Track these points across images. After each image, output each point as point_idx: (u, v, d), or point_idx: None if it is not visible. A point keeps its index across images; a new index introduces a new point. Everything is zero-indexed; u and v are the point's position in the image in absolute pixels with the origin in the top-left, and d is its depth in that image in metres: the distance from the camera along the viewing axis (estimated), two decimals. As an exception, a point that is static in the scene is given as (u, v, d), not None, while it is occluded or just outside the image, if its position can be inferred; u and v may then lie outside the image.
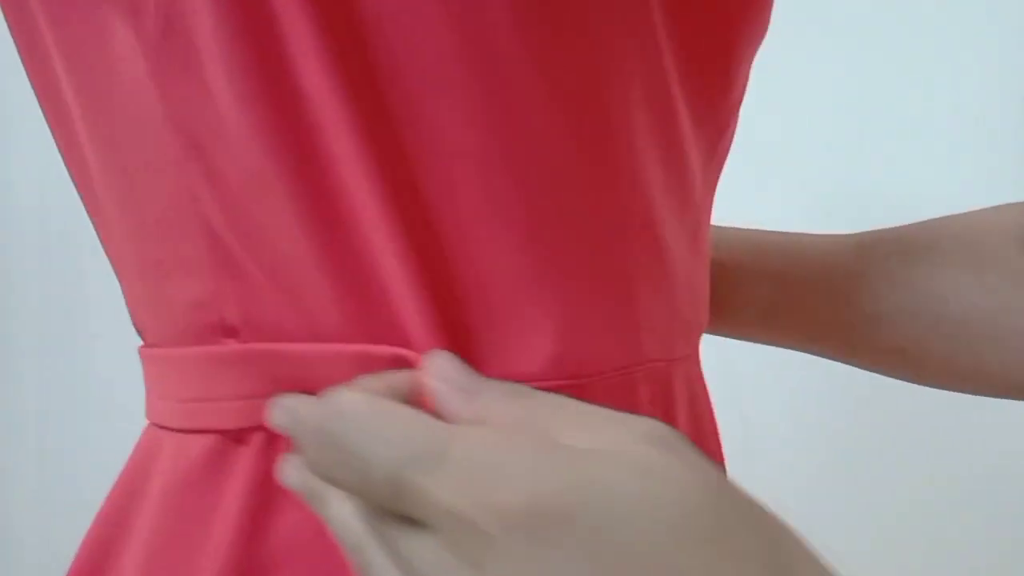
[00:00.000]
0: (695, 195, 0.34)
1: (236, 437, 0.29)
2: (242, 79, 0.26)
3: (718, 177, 0.37)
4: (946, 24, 0.86)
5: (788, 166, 0.90)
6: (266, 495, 0.28)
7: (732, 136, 0.36)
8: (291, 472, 0.26)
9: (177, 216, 0.29)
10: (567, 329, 0.29)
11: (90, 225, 0.34)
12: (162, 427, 0.32)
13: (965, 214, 0.44)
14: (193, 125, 0.28)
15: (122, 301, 0.34)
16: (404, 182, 0.27)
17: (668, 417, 0.33)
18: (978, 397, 0.44)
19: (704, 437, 0.36)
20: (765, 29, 0.34)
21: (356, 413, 0.23)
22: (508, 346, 0.28)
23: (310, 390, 0.26)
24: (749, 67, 0.35)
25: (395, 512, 0.23)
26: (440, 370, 0.26)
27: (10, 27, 0.32)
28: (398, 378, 0.26)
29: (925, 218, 0.44)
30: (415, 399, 0.25)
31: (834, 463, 0.92)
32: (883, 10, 0.87)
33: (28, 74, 0.33)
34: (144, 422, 0.33)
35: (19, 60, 0.33)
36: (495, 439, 0.22)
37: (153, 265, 0.31)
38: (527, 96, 0.27)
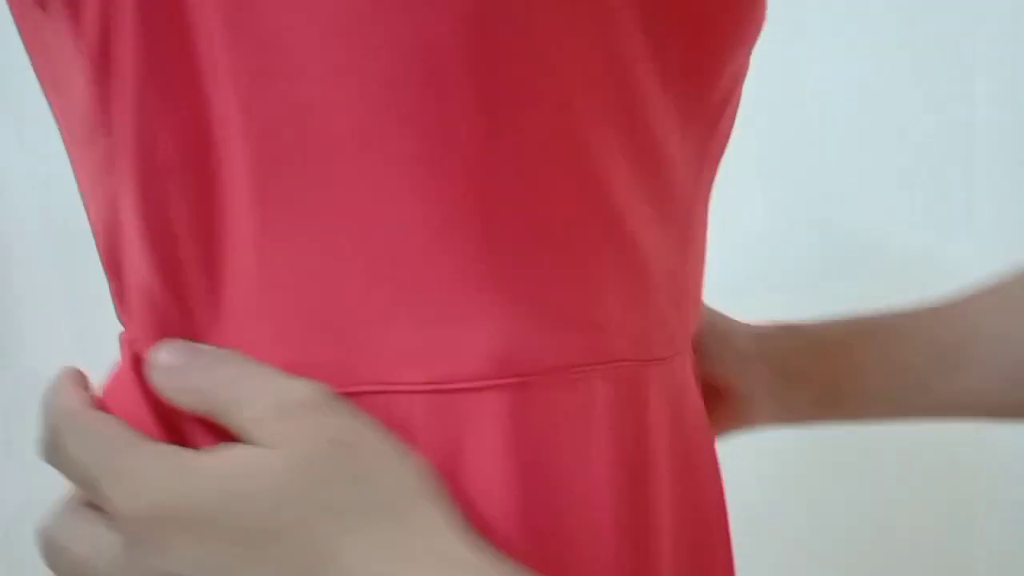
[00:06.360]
0: (680, 193, 0.34)
1: None
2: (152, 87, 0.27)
3: (713, 175, 0.36)
4: (946, 30, 0.86)
5: (788, 169, 0.90)
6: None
7: (727, 133, 0.36)
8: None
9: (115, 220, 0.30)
10: (514, 326, 0.29)
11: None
12: None
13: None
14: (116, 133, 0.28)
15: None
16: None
17: (638, 419, 0.32)
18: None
19: (691, 439, 0.36)
20: (758, 28, 0.34)
21: (70, 423, 0.29)
22: (448, 344, 0.28)
23: None
24: (741, 65, 0.35)
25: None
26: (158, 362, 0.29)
27: (17, 26, 0.33)
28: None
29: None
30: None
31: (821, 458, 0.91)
32: (885, 17, 0.87)
33: (35, 70, 0.33)
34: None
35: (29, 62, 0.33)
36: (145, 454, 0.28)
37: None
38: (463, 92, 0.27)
